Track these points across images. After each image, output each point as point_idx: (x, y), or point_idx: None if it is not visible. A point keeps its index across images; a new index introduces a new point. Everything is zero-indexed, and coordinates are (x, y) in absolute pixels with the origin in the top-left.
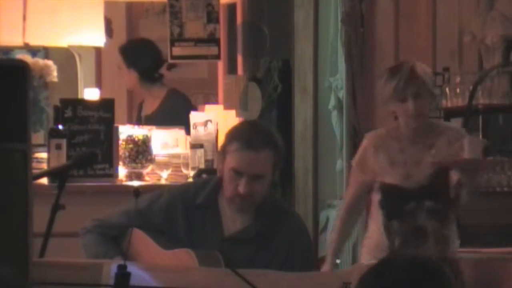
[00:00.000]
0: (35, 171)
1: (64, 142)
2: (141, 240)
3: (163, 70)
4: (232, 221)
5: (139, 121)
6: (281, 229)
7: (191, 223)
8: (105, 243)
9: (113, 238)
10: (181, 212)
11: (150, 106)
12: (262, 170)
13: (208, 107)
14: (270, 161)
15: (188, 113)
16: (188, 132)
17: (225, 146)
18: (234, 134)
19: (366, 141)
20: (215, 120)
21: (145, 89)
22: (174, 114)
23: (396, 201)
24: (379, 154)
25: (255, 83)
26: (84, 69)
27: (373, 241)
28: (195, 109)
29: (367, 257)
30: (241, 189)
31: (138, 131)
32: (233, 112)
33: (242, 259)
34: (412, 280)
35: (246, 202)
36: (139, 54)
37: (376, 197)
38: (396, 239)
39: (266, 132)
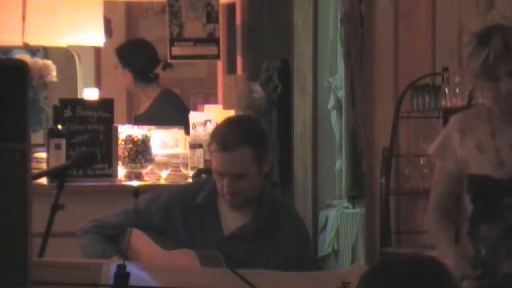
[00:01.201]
0: (34, 171)
1: (63, 142)
2: (140, 240)
3: (158, 70)
4: (231, 219)
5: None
6: (280, 224)
7: (190, 222)
8: (102, 242)
9: (111, 238)
10: (181, 212)
11: (143, 106)
12: (242, 169)
13: (207, 107)
14: (249, 158)
15: (180, 114)
16: (187, 132)
17: (208, 146)
18: (213, 134)
19: (451, 124)
20: (215, 120)
21: (140, 89)
22: (164, 115)
23: (486, 197)
24: (466, 139)
25: (255, 83)
26: (83, 69)
27: (461, 251)
28: (188, 110)
29: (453, 270)
30: (225, 189)
31: (137, 131)
32: (232, 112)
33: (242, 257)
34: (413, 279)
35: (236, 199)
36: (134, 55)
37: (466, 197)
38: (482, 248)
39: (244, 128)
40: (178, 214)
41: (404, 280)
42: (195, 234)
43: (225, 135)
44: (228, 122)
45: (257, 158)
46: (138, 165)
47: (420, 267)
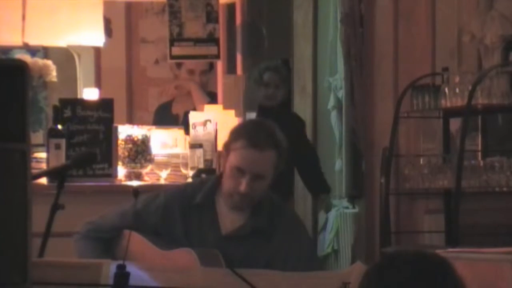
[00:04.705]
0: (34, 171)
1: (63, 142)
2: (138, 242)
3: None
4: (229, 220)
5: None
6: (277, 225)
7: (188, 223)
8: (96, 251)
9: (107, 242)
10: (179, 212)
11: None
12: (264, 170)
13: (207, 106)
14: (272, 161)
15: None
16: (187, 132)
17: (229, 143)
18: (240, 132)
19: None
20: (214, 120)
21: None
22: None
23: None
24: None
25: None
26: (83, 69)
27: None
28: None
29: None
30: (242, 188)
31: (137, 131)
32: (232, 112)
33: (240, 257)
34: (418, 275)
35: (245, 200)
36: None
37: None
38: None
39: (272, 132)
40: (176, 214)
41: (409, 277)
42: (193, 233)
43: (257, 134)
44: (255, 123)
45: (276, 163)
46: (138, 165)
47: (425, 263)
